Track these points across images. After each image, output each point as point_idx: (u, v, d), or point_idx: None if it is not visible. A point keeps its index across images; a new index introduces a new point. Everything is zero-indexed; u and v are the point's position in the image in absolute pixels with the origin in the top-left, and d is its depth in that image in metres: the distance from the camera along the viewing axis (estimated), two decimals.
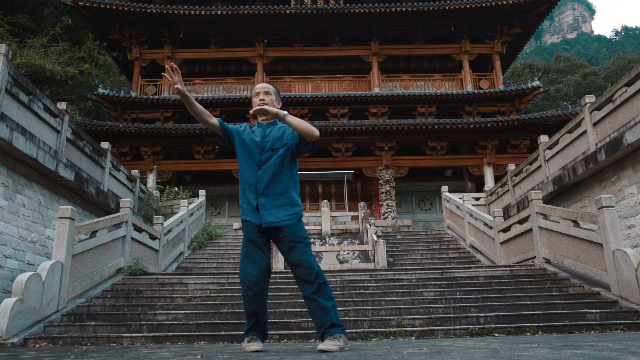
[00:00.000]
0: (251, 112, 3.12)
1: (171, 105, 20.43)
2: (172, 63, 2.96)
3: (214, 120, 3.11)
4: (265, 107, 3.05)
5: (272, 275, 7.67)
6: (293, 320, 5.45)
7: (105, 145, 11.17)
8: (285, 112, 3.00)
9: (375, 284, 7.10)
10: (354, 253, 11.23)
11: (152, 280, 7.52)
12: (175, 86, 2.93)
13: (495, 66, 21.88)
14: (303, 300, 3.18)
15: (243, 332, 3.07)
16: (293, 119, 2.98)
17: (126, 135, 18.76)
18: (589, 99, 9.19)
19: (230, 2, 22.83)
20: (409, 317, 5.46)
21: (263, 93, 3.15)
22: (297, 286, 6.89)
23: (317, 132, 2.99)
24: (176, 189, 14.90)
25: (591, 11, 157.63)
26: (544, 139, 11.26)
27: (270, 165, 3.05)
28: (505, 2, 20.10)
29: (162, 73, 2.98)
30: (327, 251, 10.34)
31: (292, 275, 7.60)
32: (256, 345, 2.91)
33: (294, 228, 3.05)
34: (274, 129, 3.14)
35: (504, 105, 20.97)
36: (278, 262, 9.42)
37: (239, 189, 3.19)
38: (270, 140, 3.09)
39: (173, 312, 5.95)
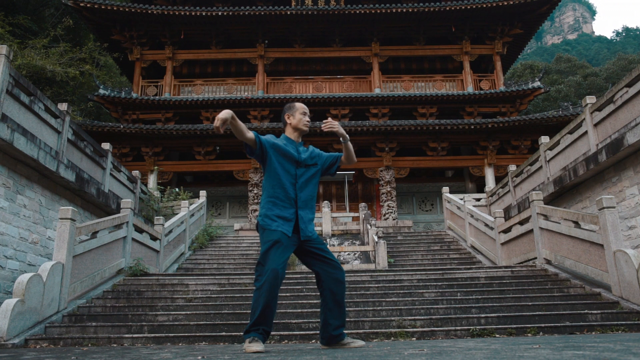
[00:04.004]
0: (326, 129, 3.21)
1: (172, 106, 20.45)
2: (217, 127, 2.94)
3: (251, 134, 3.14)
4: (339, 127, 3.25)
5: None
6: (294, 321, 5.44)
7: (106, 146, 11.18)
8: (348, 137, 3.33)
9: (376, 285, 7.09)
10: (355, 254, 11.23)
11: (153, 281, 7.52)
12: (227, 124, 2.98)
13: (496, 67, 21.88)
14: (321, 300, 3.29)
15: (243, 333, 3.07)
16: (350, 145, 3.34)
17: (127, 136, 18.78)
18: (590, 99, 9.19)
19: (231, 2, 22.86)
20: (409, 317, 5.45)
21: (308, 115, 3.38)
22: (298, 287, 6.90)
23: (355, 160, 3.43)
24: (177, 189, 14.90)
25: (592, 12, 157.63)
26: (544, 139, 11.25)
27: (305, 181, 3.26)
28: (506, 3, 20.11)
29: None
30: None
31: (293, 275, 7.61)
32: (257, 346, 2.91)
33: (319, 237, 3.37)
34: (302, 147, 3.36)
35: (504, 106, 20.96)
36: None
37: (266, 198, 3.22)
38: (306, 157, 3.29)
39: (174, 313, 5.95)
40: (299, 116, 3.31)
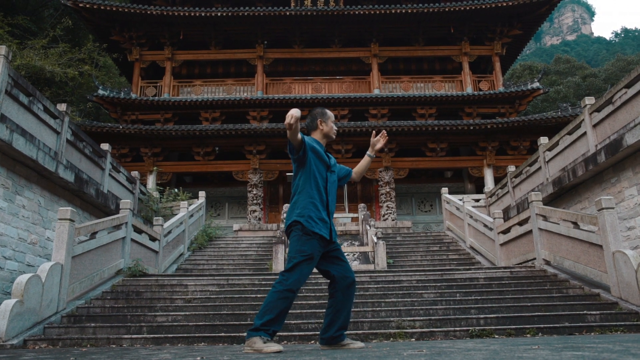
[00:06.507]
0: (382, 138, 3.60)
1: (171, 106, 20.44)
2: (291, 124, 2.96)
3: (301, 137, 3.18)
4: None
5: (272, 277, 7.68)
6: (293, 322, 5.44)
7: (105, 146, 11.16)
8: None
9: (375, 286, 7.09)
10: (354, 254, 11.22)
11: (152, 281, 7.51)
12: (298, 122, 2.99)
13: (495, 68, 21.89)
14: (330, 301, 3.32)
15: (251, 329, 3.03)
16: (370, 162, 3.65)
17: (126, 137, 18.76)
18: (589, 100, 9.20)
19: (230, 3, 22.86)
20: (409, 318, 5.45)
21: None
22: None
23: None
24: (176, 190, 14.88)
25: (591, 13, 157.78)
26: (543, 140, 11.26)
27: (331, 184, 3.37)
28: (505, 4, 20.13)
29: None
30: None
31: None
32: (276, 346, 2.98)
33: None
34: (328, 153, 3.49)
35: (503, 107, 20.98)
36: (278, 263, 9.42)
37: (307, 199, 3.25)
38: (332, 163, 3.43)
39: (173, 313, 5.94)
40: (331, 124, 3.46)
